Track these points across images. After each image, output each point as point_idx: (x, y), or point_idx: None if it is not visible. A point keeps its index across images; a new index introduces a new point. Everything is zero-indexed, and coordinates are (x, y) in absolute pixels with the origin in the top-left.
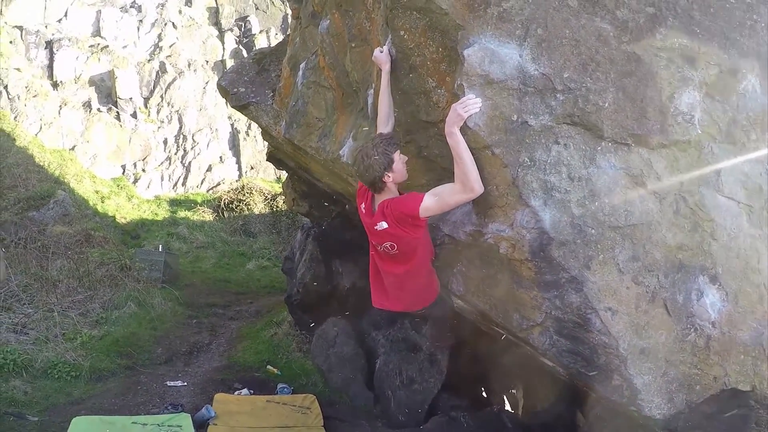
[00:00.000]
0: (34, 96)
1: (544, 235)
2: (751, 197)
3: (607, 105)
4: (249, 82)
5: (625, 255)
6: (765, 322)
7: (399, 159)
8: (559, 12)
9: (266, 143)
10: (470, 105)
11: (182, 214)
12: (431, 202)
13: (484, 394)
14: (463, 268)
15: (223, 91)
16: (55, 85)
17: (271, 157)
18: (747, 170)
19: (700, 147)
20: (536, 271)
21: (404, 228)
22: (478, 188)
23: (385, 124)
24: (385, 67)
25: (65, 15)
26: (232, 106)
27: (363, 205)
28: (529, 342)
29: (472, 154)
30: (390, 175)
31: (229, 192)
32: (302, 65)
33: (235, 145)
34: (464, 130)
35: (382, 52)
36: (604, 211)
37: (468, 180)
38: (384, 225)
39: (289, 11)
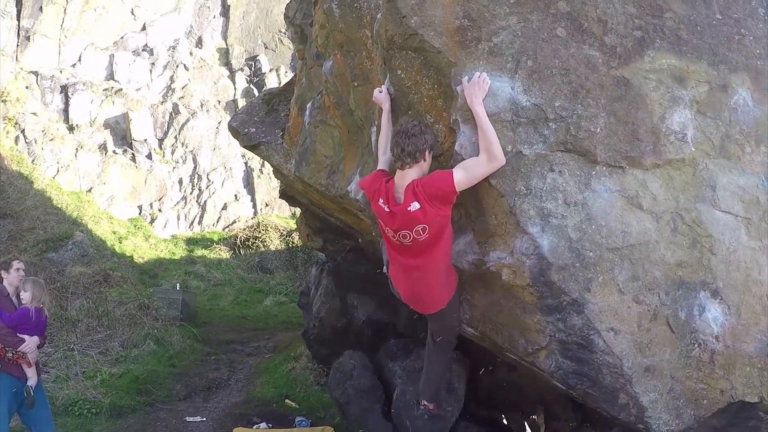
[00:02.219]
0: (51, 139)
1: (544, 261)
2: (749, 210)
3: (599, 130)
4: (259, 123)
5: (624, 275)
6: None
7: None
8: (549, 43)
9: (279, 181)
10: (485, 79)
11: (199, 252)
12: (462, 175)
13: (504, 420)
14: (468, 296)
15: (234, 131)
16: (71, 129)
17: (283, 195)
18: (743, 183)
19: (694, 164)
20: (538, 295)
21: (436, 206)
22: (502, 158)
23: (384, 163)
24: (385, 106)
25: (79, 59)
26: (243, 146)
27: (381, 200)
28: (536, 365)
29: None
30: (428, 156)
31: (244, 229)
32: (309, 105)
33: (249, 183)
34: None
35: (381, 92)
36: (601, 234)
37: (492, 149)
38: (417, 205)
39: None
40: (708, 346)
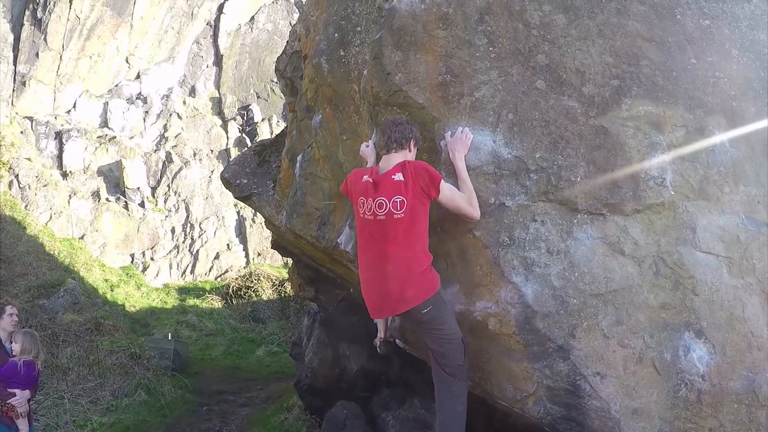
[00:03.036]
0: (44, 185)
1: (528, 309)
2: (730, 249)
3: (579, 179)
4: (251, 174)
5: (608, 320)
6: (755, 368)
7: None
8: (528, 95)
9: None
10: (467, 134)
11: (191, 301)
12: (447, 188)
13: None
14: None
15: (227, 182)
16: (64, 175)
17: (275, 245)
18: (723, 223)
19: (674, 207)
20: (524, 343)
21: (418, 187)
22: (478, 213)
23: None
24: (371, 160)
25: (74, 106)
26: (235, 197)
27: (365, 177)
28: (525, 412)
29: (454, 238)
30: (413, 148)
31: (237, 279)
32: (299, 157)
33: (241, 233)
34: None
35: (368, 146)
36: (584, 281)
37: (473, 201)
38: (401, 176)
39: None
40: (695, 385)
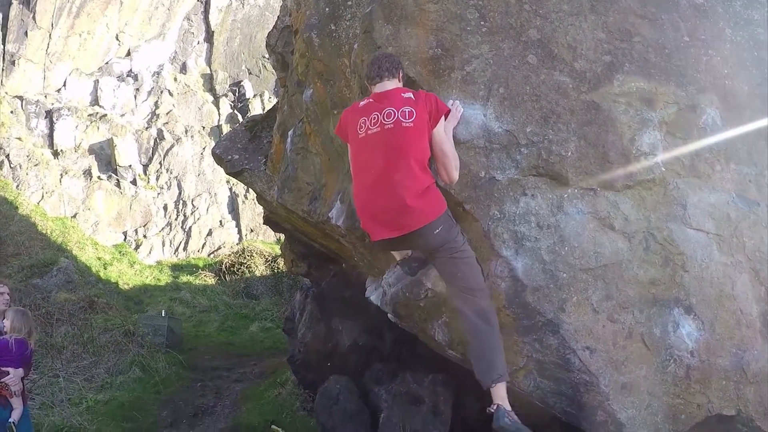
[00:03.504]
0: (36, 165)
1: (518, 283)
2: (720, 226)
3: (570, 154)
4: (242, 149)
5: (598, 295)
6: (744, 346)
7: None
8: (520, 70)
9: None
10: (458, 107)
11: (184, 278)
12: (444, 127)
13: None
14: (447, 319)
15: (218, 158)
16: (55, 154)
17: (267, 221)
18: (714, 201)
19: (665, 184)
20: (514, 317)
21: (426, 107)
22: (456, 176)
23: None
24: None
25: (64, 85)
26: (227, 173)
27: (363, 102)
28: (516, 386)
29: None
30: (402, 79)
31: (230, 255)
32: (290, 132)
33: (234, 209)
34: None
35: None
36: (574, 255)
37: (456, 161)
38: (410, 95)
39: None
40: (683, 361)
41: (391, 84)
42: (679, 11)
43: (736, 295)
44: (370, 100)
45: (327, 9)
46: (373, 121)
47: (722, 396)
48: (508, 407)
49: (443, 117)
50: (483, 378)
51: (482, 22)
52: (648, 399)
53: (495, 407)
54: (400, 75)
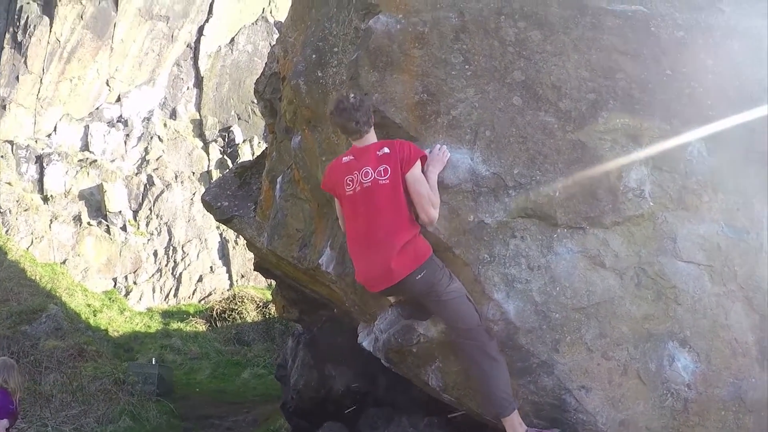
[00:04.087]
0: (25, 210)
1: (511, 325)
2: (711, 257)
3: (557, 194)
4: (232, 196)
5: (592, 333)
6: (741, 375)
7: None
8: (505, 112)
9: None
10: (445, 152)
11: (175, 325)
12: (419, 171)
13: None
14: (440, 364)
15: (208, 205)
16: (45, 199)
17: (258, 267)
18: (703, 232)
19: (654, 218)
20: (508, 360)
21: (398, 157)
22: (434, 217)
23: None
24: None
25: (54, 130)
26: (217, 220)
27: (345, 158)
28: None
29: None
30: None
31: (221, 302)
32: (279, 179)
33: (225, 255)
34: (424, 234)
35: None
36: (566, 295)
37: (434, 200)
38: (386, 150)
39: None
40: (681, 394)
41: (370, 137)
42: (660, 46)
43: (730, 324)
44: (351, 157)
45: (314, 56)
46: (354, 181)
47: (721, 427)
48: None
49: (418, 161)
50: (493, 412)
51: (467, 66)
52: None
53: None
54: (372, 119)
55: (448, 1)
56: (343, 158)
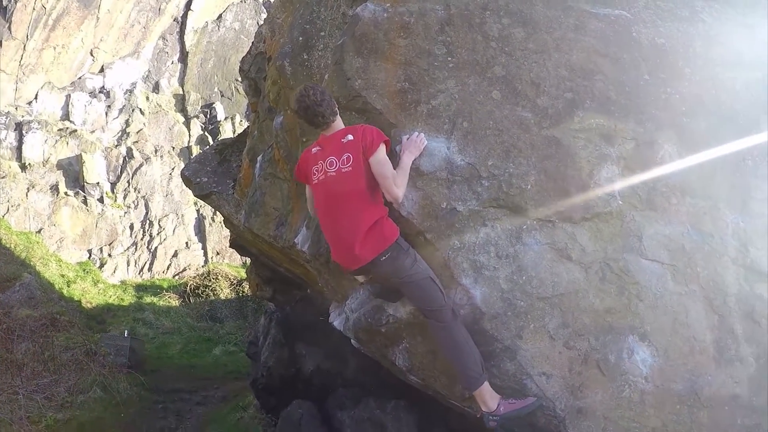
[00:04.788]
0: (2, 177)
1: (477, 310)
2: (675, 257)
3: (529, 187)
4: (211, 172)
5: (555, 322)
6: (697, 371)
7: None
8: (484, 105)
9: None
10: (422, 139)
11: (148, 299)
12: (383, 154)
13: None
14: (407, 344)
15: (187, 180)
16: (23, 167)
17: (233, 244)
18: (669, 233)
19: (622, 217)
20: None
21: (362, 144)
22: (401, 195)
23: None
24: None
25: (35, 98)
26: (195, 195)
27: (314, 149)
28: (473, 410)
29: (407, 240)
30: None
31: (195, 277)
32: (260, 157)
33: (201, 231)
34: (398, 218)
35: None
36: (532, 284)
37: (399, 181)
38: (350, 137)
39: None
40: (638, 386)
41: (337, 124)
42: (641, 51)
43: (689, 323)
44: (319, 148)
45: (300, 38)
46: (320, 170)
47: (676, 420)
48: (493, 406)
49: (381, 145)
50: (462, 387)
51: (449, 58)
52: (604, 423)
53: (480, 415)
54: (336, 109)
55: None
56: (312, 149)
